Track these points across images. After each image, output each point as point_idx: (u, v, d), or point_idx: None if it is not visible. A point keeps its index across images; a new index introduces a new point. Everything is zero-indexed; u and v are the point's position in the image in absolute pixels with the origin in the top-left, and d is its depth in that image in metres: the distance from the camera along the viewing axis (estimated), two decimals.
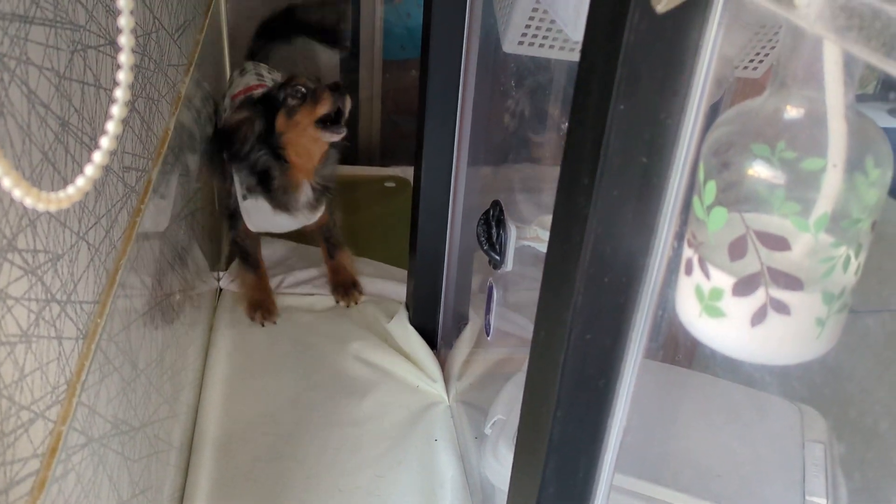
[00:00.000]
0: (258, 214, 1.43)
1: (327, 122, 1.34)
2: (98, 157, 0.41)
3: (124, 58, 0.40)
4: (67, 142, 0.66)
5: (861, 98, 0.51)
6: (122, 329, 0.82)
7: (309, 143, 1.36)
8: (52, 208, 0.40)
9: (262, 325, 1.47)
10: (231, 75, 1.68)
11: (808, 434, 1.04)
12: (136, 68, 0.91)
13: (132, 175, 0.88)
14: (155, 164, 0.99)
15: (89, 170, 0.42)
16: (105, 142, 0.41)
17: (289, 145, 1.36)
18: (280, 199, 1.40)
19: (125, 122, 0.85)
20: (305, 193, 1.42)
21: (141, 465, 0.89)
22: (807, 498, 0.94)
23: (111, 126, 0.40)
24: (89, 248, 0.72)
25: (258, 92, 1.47)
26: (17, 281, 0.56)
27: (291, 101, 1.34)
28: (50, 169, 0.62)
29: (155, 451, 0.97)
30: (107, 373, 0.76)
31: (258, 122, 1.35)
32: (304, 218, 1.46)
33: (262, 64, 1.69)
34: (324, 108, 1.32)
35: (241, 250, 1.52)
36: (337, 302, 1.55)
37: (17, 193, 0.37)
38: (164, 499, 1.02)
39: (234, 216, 1.47)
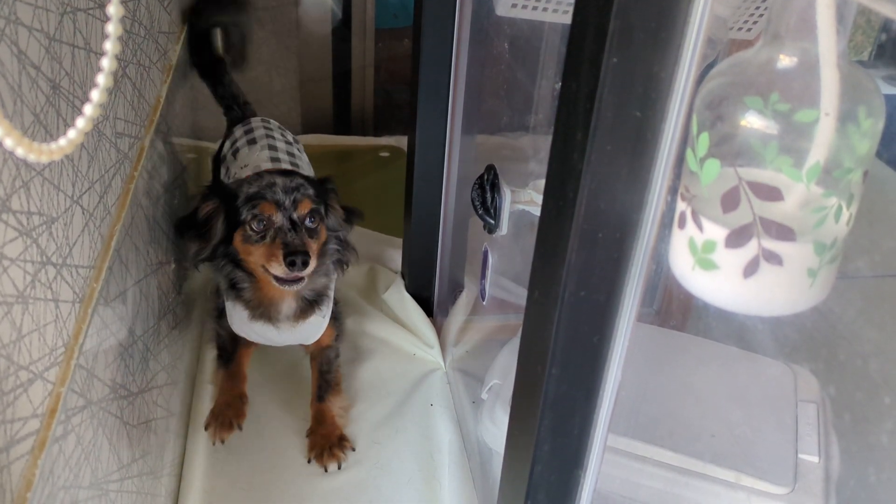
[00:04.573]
0: (239, 319, 1.16)
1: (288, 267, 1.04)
2: (89, 109, 0.41)
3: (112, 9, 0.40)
4: (59, 105, 0.66)
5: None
6: (119, 295, 0.83)
7: (263, 273, 1.08)
8: (44, 159, 0.40)
9: (214, 444, 1.17)
10: (234, 135, 1.35)
11: (802, 394, 1.05)
12: (126, 34, 0.90)
13: (125, 141, 0.87)
14: (147, 132, 0.98)
15: (80, 122, 0.42)
16: (95, 94, 0.41)
17: (248, 266, 1.10)
18: (256, 309, 1.14)
19: (116, 87, 0.85)
20: (287, 305, 1.14)
21: (140, 430, 0.90)
22: (800, 456, 0.96)
23: (101, 78, 0.40)
24: (83, 213, 0.72)
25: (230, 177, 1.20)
26: (12, 242, 0.56)
27: (249, 230, 1.06)
28: (42, 131, 0.62)
29: (154, 417, 0.97)
30: (104, 337, 0.76)
31: (220, 224, 1.08)
32: (293, 332, 1.17)
33: (271, 122, 1.38)
34: (273, 270, 1.05)
35: (220, 346, 1.26)
36: (309, 461, 1.17)
37: (8, 142, 0.37)
38: (165, 464, 1.03)
39: (220, 313, 1.22)
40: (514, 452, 0.77)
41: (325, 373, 1.24)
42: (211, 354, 1.29)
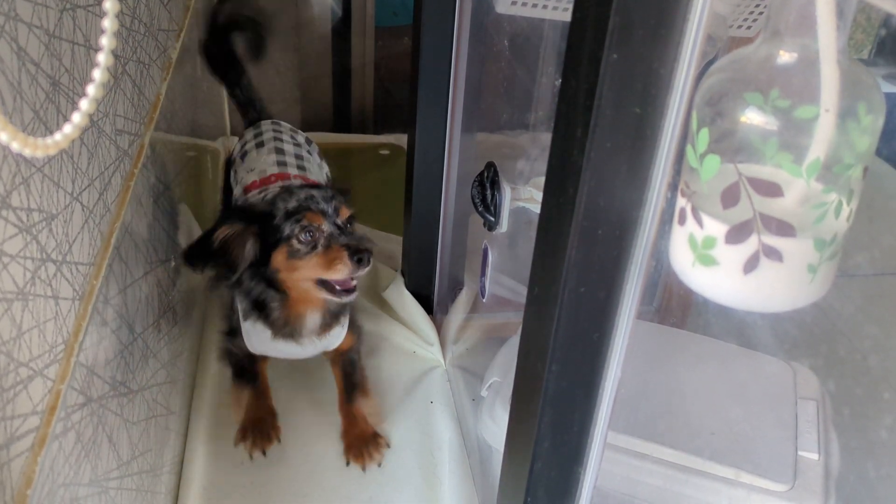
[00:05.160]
0: (259, 339, 1.15)
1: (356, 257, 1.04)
2: (85, 104, 0.41)
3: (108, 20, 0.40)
4: (59, 101, 0.66)
5: None
6: (119, 292, 0.83)
7: (311, 288, 1.07)
8: (39, 154, 0.40)
9: (252, 458, 1.16)
10: (244, 137, 1.34)
11: (801, 391, 1.05)
12: (126, 31, 0.90)
13: (125, 138, 0.87)
14: (147, 129, 0.98)
15: (76, 117, 0.42)
16: (91, 90, 0.41)
17: (287, 284, 1.08)
18: (281, 329, 1.12)
19: (116, 84, 0.85)
20: (312, 320, 1.13)
21: (140, 427, 0.90)
22: (799, 453, 0.96)
23: (97, 73, 0.40)
24: (83, 210, 0.72)
25: (255, 197, 1.16)
26: (11, 238, 0.56)
27: (297, 244, 1.04)
28: (42, 128, 0.62)
29: (153, 414, 0.97)
30: (104, 335, 0.77)
31: (251, 246, 1.05)
32: (315, 345, 1.16)
33: (282, 124, 1.36)
34: (335, 275, 1.04)
35: (236, 365, 1.22)
36: (347, 463, 1.18)
37: (3, 137, 0.37)
38: (164, 462, 1.03)
39: (233, 332, 1.19)
40: (513, 449, 0.77)
41: (350, 374, 1.23)
42: (215, 367, 1.28)
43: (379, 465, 1.17)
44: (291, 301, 1.10)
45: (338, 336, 1.17)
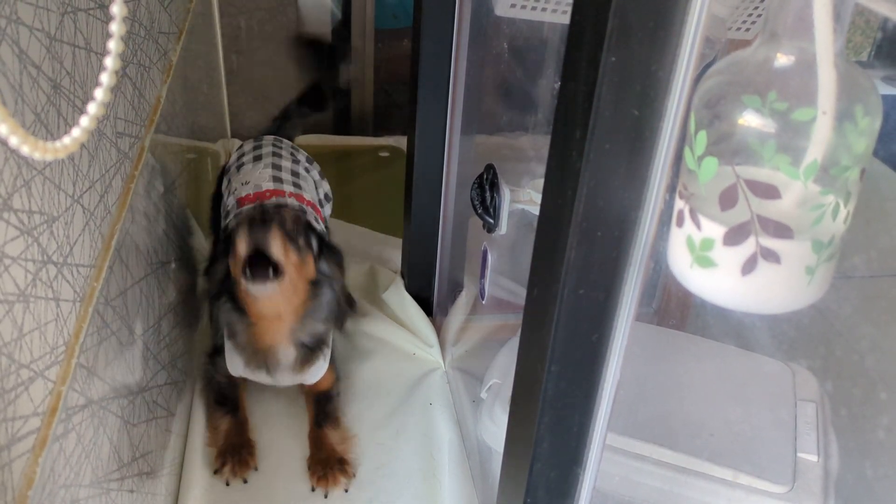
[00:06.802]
0: (236, 366, 1.14)
1: (251, 268, 1.00)
2: (93, 108, 0.41)
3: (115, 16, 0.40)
4: (60, 104, 0.66)
5: None
6: (119, 294, 0.83)
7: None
8: (49, 157, 0.40)
9: (227, 484, 1.10)
10: (242, 149, 1.34)
11: (800, 393, 1.05)
12: (127, 34, 0.90)
13: (125, 141, 0.88)
14: (147, 132, 0.99)
15: (84, 120, 0.42)
16: (99, 93, 0.41)
17: (244, 299, 1.05)
18: (252, 357, 1.10)
19: (117, 87, 0.85)
20: (286, 354, 1.11)
21: (140, 429, 0.90)
22: (798, 455, 0.96)
23: (105, 77, 0.41)
24: (84, 212, 0.72)
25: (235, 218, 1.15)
26: (13, 241, 0.56)
27: (234, 241, 1.02)
28: (43, 130, 0.62)
29: (154, 416, 0.97)
30: (104, 336, 0.77)
31: (222, 261, 1.06)
32: (292, 379, 1.14)
33: (284, 141, 1.36)
34: (239, 248, 1.00)
35: (218, 393, 1.19)
36: (312, 489, 1.11)
37: (14, 141, 0.37)
38: (165, 464, 1.03)
39: (217, 352, 1.17)
40: (513, 450, 0.77)
41: (324, 403, 1.20)
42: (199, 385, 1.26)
43: (346, 490, 1.11)
44: (255, 324, 1.08)
45: (317, 372, 1.16)
